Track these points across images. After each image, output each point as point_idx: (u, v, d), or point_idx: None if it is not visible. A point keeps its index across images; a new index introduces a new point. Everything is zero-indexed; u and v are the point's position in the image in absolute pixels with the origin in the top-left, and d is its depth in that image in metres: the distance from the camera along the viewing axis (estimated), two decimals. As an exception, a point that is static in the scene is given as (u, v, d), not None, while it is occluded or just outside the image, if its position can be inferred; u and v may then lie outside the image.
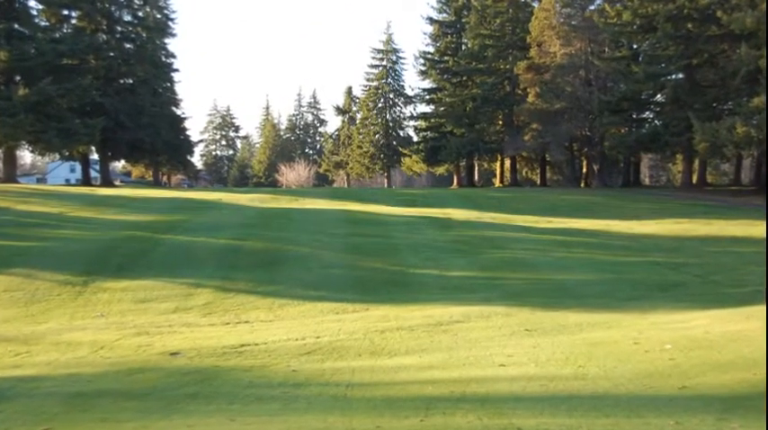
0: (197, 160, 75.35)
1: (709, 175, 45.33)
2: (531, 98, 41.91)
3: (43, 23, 35.50)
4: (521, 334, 7.68)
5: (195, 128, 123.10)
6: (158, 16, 43.73)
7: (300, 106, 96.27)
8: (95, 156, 43.96)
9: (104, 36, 39.09)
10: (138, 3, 41.37)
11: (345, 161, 68.21)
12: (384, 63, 63.35)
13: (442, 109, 48.58)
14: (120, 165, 65.95)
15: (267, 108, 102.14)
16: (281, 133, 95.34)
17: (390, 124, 62.84)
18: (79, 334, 8.60)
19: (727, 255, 15.31)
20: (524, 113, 42.62)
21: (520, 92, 44.60)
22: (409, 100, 62.05)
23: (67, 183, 62.05)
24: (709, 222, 20.62)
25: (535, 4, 43.90)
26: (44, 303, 11.20)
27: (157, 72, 42.96)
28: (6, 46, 30.48)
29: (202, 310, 10.82)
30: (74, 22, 37.73)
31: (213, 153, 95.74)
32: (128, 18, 40.97)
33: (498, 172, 50.51)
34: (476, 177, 53.63)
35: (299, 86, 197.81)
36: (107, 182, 40.76)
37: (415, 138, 57.35)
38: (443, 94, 48.53)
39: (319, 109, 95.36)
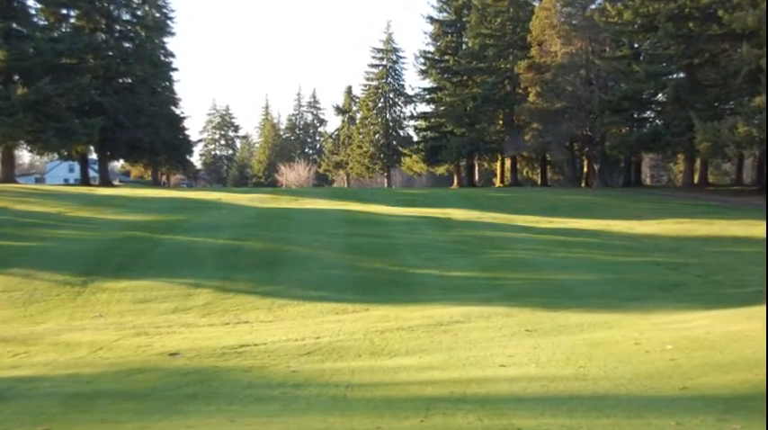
0: (196, 160, 75.39)
1: (710, 175, 45.29)
2: (531, 97, 41.89)
3: (42, 23, 35.43)
4: (521, 334, 7.66)
5: (194, 127, 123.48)
6: (157, 15, 43.72)
7: (300, 106, 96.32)
8: (94, 156, 43.94)
9: (103, 35, 39.06)
10: (136, 2, 41.37)
11: (345, 161, 68.20)
12: (384, 62, 63.34)
13: (443, 108, 48.55)
14: (118, 164, 65.97)
15: (267, 107, 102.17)
16: (281, 133, 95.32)
17: (390, 124, 62.82)
18: (78, 334, 8.58)
19: (729, 255, 15.28)
20: (525, 113, 42.60)
21: (520, 91, 44.57)
22: (409, 99, 62.06)
23: (66, 182, 62.06)
24: (710, 222, 20.60)
25: (536, 4, 43.87)
26: (43, 303, 11.18)
27: (156, 71, 42.94)
28: (5, 45, 30.44)
29: (202, 311, 10.80)
30: (72, 21, 37.68)
31: (212, 153, 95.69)
32: (126, 17, 40.95)
33: (499, 172, 50.48)
34: (476, 177, 53.61)
35: (298, 86, 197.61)
36: (106, 181, 40.76)
37: (416, 138, 57.34)
38: (444, 93, 48.51)
39: (319, 108, 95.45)
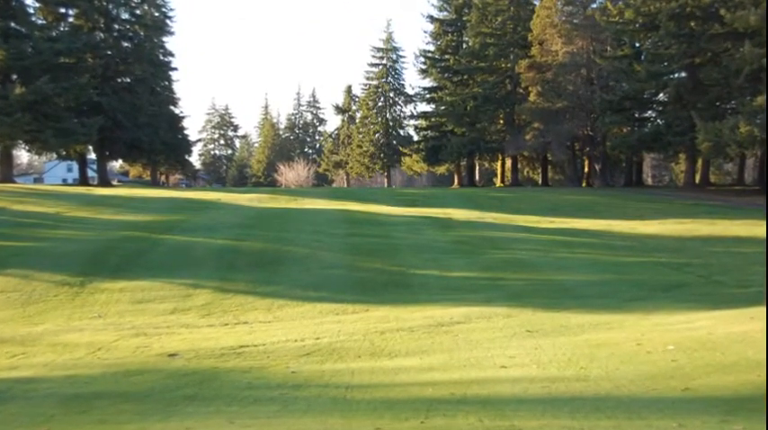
0: (195, 160, 75.50)
1: (712, 175, 45.25)
2: (532, 97, 41.87)
3: (40, 22, 35.35)
4: (522, 335, 7.63)
5: (193, 127, 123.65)
6: (156, 14, 43.67)
7: (300, 105, 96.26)
8: (93, 156, 43.87)
9: (102, 34, 39.03)
10: (135, 1, 41.35)
11: (345, 161, 68.19)
12: (384, 61, 63.33)
13: (443, 108, 48.53)
14: (117, 164, 65.98)
15: (266, 107, 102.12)
16: (280, 132, 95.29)
17: (390, 123, 62.80)
18: (76, 335, 8.56)
19: (731, 255, 15.24)
20: (526, 112, 42.58)
21: (521, 91, 44.55)
22: (409, 99, 62.05)
23: (65, 182, 62.12)
24: (712, 222, 20.57)
25: (536, 2, 43.84)
26: (41, 304, 11.14)
27: (155, 71, 42.88)
28: (3, 44, 30.38)
29: (201, 311, 10.77)
30: (71, 20, 37.63)
31: (212, 152, 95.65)
32: (125, 16, 40.92)
33: (499, 171, 50.46)
34: (477, 177, 53.60)
35: (298, 85, 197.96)
36: (104, 181, 40.75)
37: (416, 138, 57.33)
38: (444, 92, 48.48)
39: (319, 108, 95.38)
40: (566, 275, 13.58)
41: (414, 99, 60.35)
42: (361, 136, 64.17)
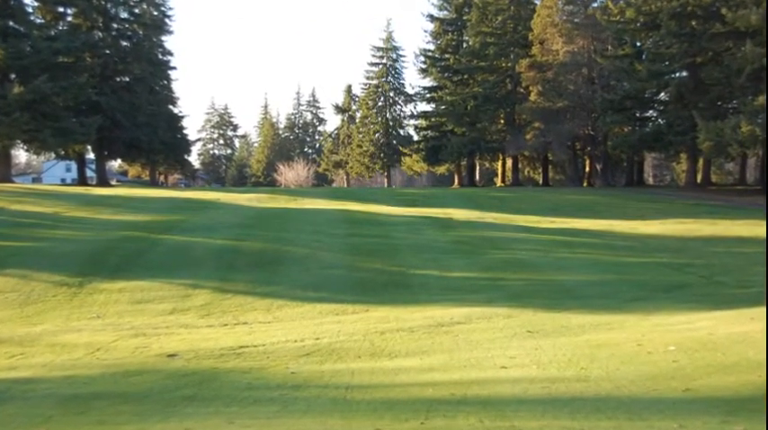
0: (194, 159, 75.57)
1: (713, 175, 45.23)
2: (533, 96, 41.86)
3: (39, 21, 35.37)
4: (523, 335, 7.60)
5: (193, 127, 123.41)
6: (155, 13, 43.67)
7: (299, 105, 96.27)
8: (91, 156, 43.87)
9: (100, 33, 39.03)
10: (134, 0, 41.33)
11: (345, 160, 68.18)
12: (384, 61, 63.32)
13: (443, 107, 48.52)
14: (116, 164, 65.98)
15: (266, 106, 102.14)
16: (280, 132, 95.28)
17: (390, 123, 62.79)
18: (75, 335, 8.53)
19: (733, 255, 15.21)
20: (526, 112, 42.57)
21: (522, 90, 44.54)
22: (410, 98, 62.05)
23: (63, 182, 62.13)
24: (714, 222, 20.54)
25: (537, 2, 43.86)
26: (39, 304, 11.11)
27: (154, 70, 42.88)
28: (1, 43, 30.38)
29: (200, 311, 10.75)
30: (69, 19, 37.66)
31: (211, 152, 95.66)
32: (124, 15, 40.93)
33: (500, 171, 50.44)
34: (477, 177, 53.58)
35: (297, 85, 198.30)
36: (103, 181, 40.74)
37: (416, 138, 57.33)
38: (444, 92, 48.47)
39: (318, 107, 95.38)
40: (566, 275, 13.56)
41: (414, 98, 60.41)
42: (361, 136, 64.15)
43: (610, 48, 39.35)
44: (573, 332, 7.64)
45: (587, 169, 44.71)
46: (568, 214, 23.52)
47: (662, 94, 37.12)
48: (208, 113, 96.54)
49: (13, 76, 31.84)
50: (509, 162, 48.73)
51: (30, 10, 34.38)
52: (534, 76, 41.58)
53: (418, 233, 18.75)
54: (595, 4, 39.77)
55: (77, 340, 8.11)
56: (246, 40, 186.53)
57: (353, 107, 70.56)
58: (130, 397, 5.21)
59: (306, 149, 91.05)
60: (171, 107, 46.70)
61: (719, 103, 33.30)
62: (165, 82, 46.41)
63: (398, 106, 63.74)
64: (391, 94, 63.27)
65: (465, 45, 49.68)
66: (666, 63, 34.06)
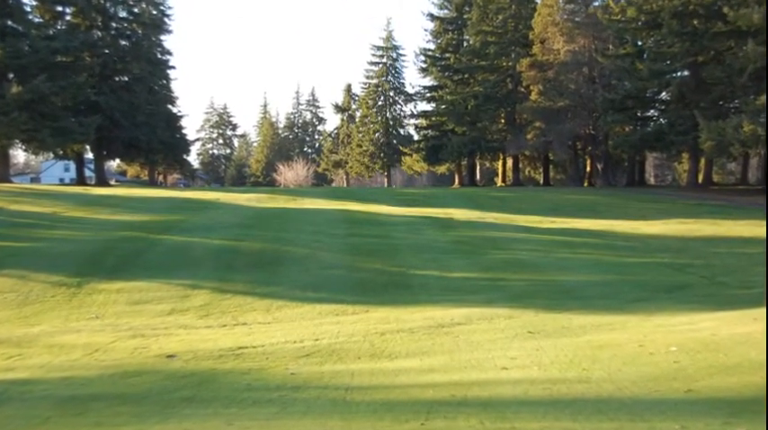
0: (193, 159, 75.66)
1: (715, 175, 45.18)
2: (533, 96, 41.84)
3: (37, 20, 35.41)
4: (523, 336, 7.57)
5: (192, 126, 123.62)
6: (154, 13, 43.64)
7: (299, 104, 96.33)
8: (90, 155, 43.88)
9: (99, 33, 39.04)
10: (133, -1, 41.41)
11: (345, 160, 68.19)
12: (384, 60, 63.32)
13: (443, 107, 48.52)
14: (115, 164, 65.98)
15: (265, 106, 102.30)
16: (279, 132, 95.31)
17: (390, 122, 62.79)
18: (73, 336, 8.50)
19: (735, 256, 15.16)
20: (527, 111, 42.54)
21: (522, 89, 44.52)
22: (410, 98, 62.04)
23: (62, 182, 62.13)
24: (715, 222, 20.49)
25: (538, 1, 43.81)
26: (37, 305, 11.07)
27: (153, 69, 42.89)
28: (0, 43, 30.38)
29: (199, 312, 10.71)
30: (68, 18, 37.69)
31: (210, 152, 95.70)
32: (123, 14, 40.96)
33: (500, 171, 50.43)
34: (477, 176, 53.59)
35: (297, 84, 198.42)
36: (102, 181, 40.75)
37: (416, 137, 57.36)
38: (444, 91, 48.47)
39: (318, 107, 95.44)
40: (567, 276, 13.52)
41: (414, 98, 60.40)
42: (360, 135, 64.15)
43: (611, 47, 39.32)
44: (574, 333, 7.60)
45: (588, 169, 44.68)
46: (569, 214, 23.48)
47: (663, 93, 37.08)
48: (207, 113, 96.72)
49: (11, 75, 31.83)
50: (510, 162, 48.73)
51: (28, 9, 34.50)
52: (535, 76, 41.56)
53: (418, 233, 18.71)
54: (596, 3, 39.79)
55: (75, 341, 8.08)
56: (246, 40, 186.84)
57: (353, 106, 70.57)
58: (129, 398, 5.18)
59: (305, 149, 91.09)
60: (170, 107, 46.70)
61: (721, 103, 33.24)
62: (164, 81, 46.42)
63: (398, 105, 63.77)
64: (391, 94, 63.26)
65: (465, 44, 49.67)
66: (668, 62, 34.02)
